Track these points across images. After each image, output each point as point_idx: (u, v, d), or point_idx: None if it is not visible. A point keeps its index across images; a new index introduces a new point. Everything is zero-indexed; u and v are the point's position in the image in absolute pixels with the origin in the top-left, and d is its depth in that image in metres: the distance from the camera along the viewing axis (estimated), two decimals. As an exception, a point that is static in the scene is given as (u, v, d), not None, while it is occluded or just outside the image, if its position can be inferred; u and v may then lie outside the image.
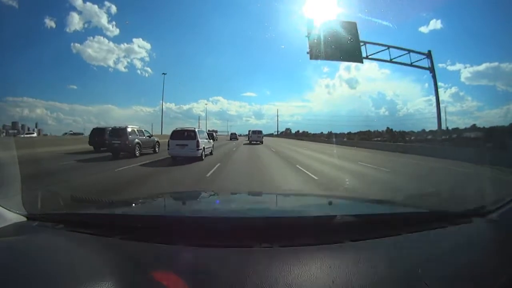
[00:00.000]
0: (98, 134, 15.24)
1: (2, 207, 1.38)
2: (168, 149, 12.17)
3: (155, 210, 1.85)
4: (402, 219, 1.41)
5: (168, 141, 12.28)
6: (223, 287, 0.82)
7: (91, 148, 15.66)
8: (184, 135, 12.08)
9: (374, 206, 1.93)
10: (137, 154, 13.56)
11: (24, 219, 1.41)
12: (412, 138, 41.62)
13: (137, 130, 14.50)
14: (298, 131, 76.98)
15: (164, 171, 9.13)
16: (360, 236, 1.15)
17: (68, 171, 9.01)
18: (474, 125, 40.23)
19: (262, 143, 30.52)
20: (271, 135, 74.98)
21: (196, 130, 12.39)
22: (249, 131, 38.50)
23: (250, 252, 1.03)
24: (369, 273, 0.89)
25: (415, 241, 1.18)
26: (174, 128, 12.76)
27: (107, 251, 1.05)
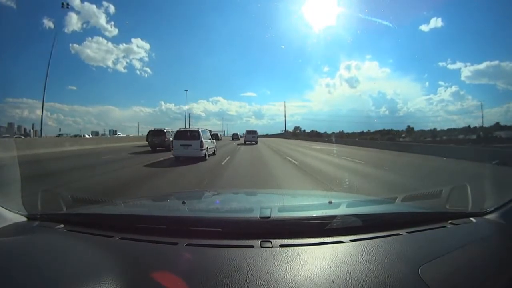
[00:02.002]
0: (155, 134, 20.04)
1: (2, 207, 1.38)
2: (171, 149, 12.75)
3: (155, 210, 1.85)
4: (402, 219, 1.41)
5: (172, 141, 13.05)
6: (223, 287, 0.82)
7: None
8: (188, 136, 12.26)
9: (374, 206, 1.93)
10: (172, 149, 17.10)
11: (24, 219, 1.42)
12: (444, 137, 39.22)
13: (171, 130, 18.53)
14: (304, 130, 70.90)
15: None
16: (360, 235, 1.15)
17: (143, 155, 14.70)
18: (498, 123, 38.70)
19: (256, 143, 30.01)
20: (280, 135, 66.51)
21: (200, 130, 12.62)
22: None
23: (250, 251, 1.03)
24: (369, 273, 0.89)
25: (415, 241, 1.18)
26: (173, 129, 13.72)
27: (107, 251, 1.05)
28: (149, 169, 9.83)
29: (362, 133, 48.99)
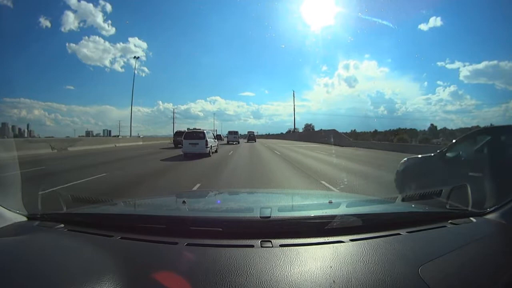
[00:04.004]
0: (179, 135, 24.56)
1: (2, 207, 1.38)
2: (182, 146, 15.60)
3: (155, 210, 1.85)
4: (402, 219, 1.41)
5: (182, 140, 15.76)
6: (223, 287, 0.82)
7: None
8: (195, 136, 15.07)
9: (374, 205, 1.93)
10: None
11: (25, 219, 1.42)
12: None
13: None
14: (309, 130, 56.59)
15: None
16: (360, 235, 1.15)
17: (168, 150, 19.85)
18: (524, 122, 35.72)
19: (238, 143, 33.97)
20: (285, 136, 53.07)
21: (205, 131, 15.36)
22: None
23: (250, 251, 1.03)
24: (369, 273, 0.89)
25: (415, 241, 1.18)
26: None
27: (107, 250, 1.05)
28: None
29: (375, 132, 41.91)
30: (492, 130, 4.36)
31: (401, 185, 5.01)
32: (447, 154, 4.29)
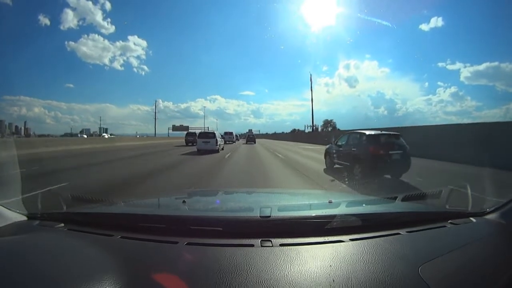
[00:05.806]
0: (189, 135, 29.39)
1: (2, 206, 1.38)
2: (196, 144, 19.41)
3: (155, 209, 1.85)
4: (402, 219, 1.41)
5: (195, 139, 20.73)
6: (223, 286, 0.82)
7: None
8: (206, 135, 18.88)
9: (374, 205, 1.93)
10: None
11: (25, 218, 1.42)
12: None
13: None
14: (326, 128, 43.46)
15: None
16: (360, 235, 1.15)
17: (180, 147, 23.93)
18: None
19: (234, 142, 37.62)
20: (295, 137, 41.42)
21: (215, 132, 19.53)
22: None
23: (250, 251, 1.03)
24: (369, 272, 0.89)
25: (415, 241, 1.18)
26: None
27: (107, 250, 1.05)
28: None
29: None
30: (349, 133, 9.09)
31: (324, 159, 10.27)
32: (337, 143, 9.24)
